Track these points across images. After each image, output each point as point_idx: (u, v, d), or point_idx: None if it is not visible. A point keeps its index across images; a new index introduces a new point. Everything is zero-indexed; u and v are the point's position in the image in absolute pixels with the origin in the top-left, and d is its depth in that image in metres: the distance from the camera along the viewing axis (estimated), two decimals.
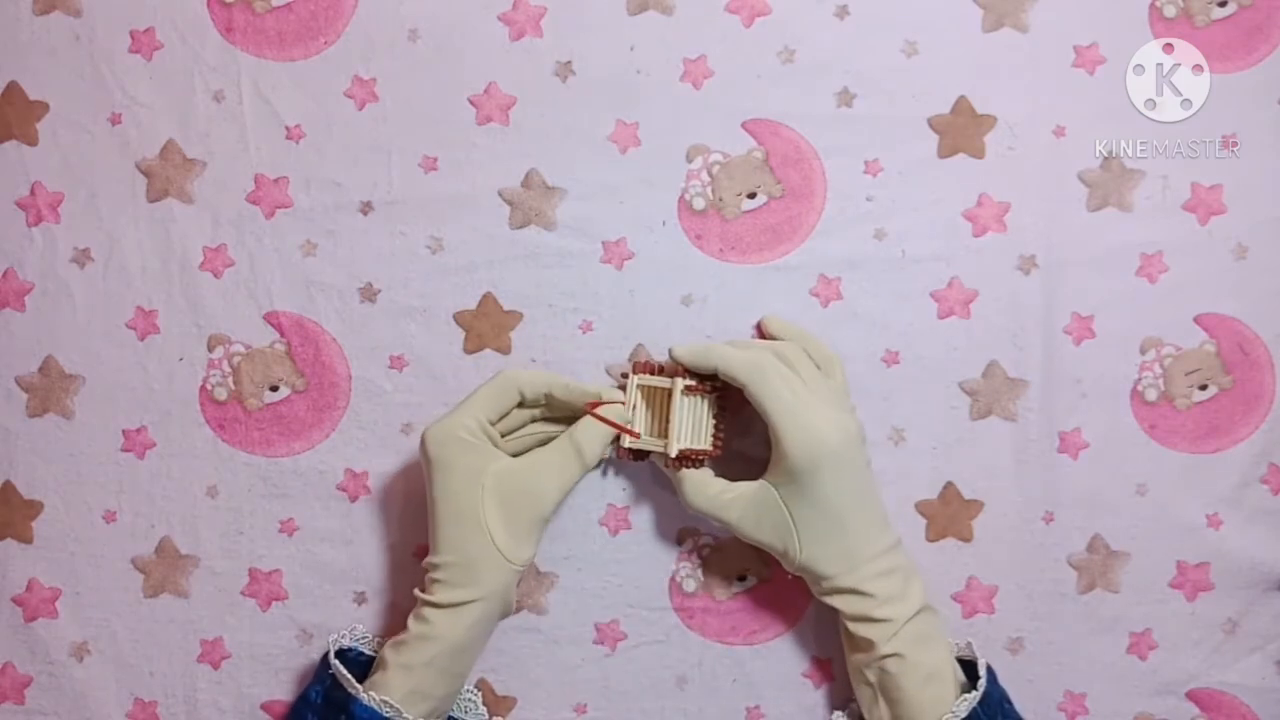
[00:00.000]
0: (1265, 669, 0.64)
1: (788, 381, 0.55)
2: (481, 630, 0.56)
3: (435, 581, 0.55)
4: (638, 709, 0.64)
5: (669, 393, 0.57)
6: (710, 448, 0.59)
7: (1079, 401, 0.64)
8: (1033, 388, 0.64)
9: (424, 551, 0.64)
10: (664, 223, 0.64)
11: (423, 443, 0.56)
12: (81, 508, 0.63)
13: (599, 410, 0.57)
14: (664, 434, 0.58)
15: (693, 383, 0.57)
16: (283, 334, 0.64)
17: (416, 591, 0.56)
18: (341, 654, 0.57)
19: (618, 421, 0.57)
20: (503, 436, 0.58)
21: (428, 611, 0.54)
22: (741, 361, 0.55)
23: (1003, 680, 0.57)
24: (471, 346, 0.64)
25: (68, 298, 0.63)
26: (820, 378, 0.58)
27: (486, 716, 0.61)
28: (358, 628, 0.61)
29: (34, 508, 0.64)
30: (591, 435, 0.57)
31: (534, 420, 0.59)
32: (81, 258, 0.64)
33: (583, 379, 0.63)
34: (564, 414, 0.59)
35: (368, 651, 0.60)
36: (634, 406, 0.58)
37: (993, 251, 0.64)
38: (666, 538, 0.64)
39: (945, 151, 0.64)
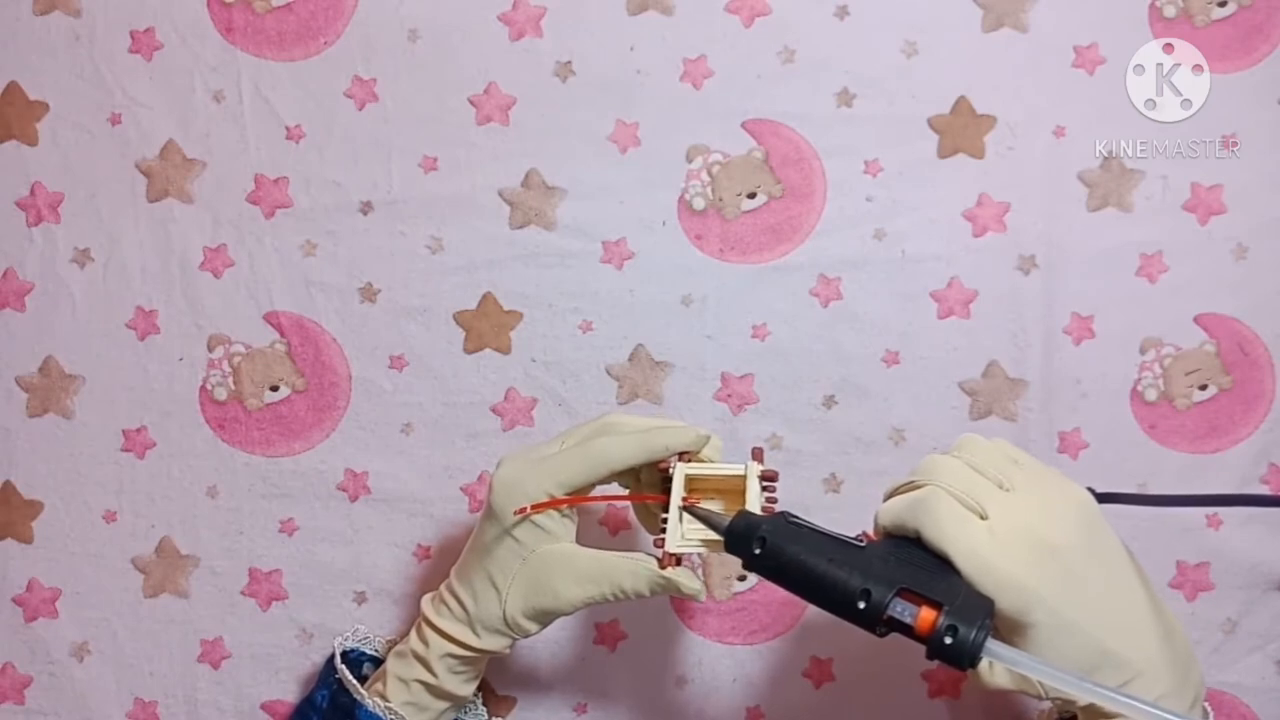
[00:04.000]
0: (1265, 669, 0.64)
1: (962, 517, 0.43)
2: (473, 666, 0.54)
3: (445, 605, 0.53)
4: (638, 709, 0.64)
5: (722, 478, 0.51)
6: None
7: (1079, 401, 0.64)
8: (1033, 388, 0.64)
9: (424, 552, 0.64)
10: (664, 223, 0.64)
11: (491, 489, 0.52)
12: (81, 508, 0.63)
13: (670, 571, 0.50)
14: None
15: (766, 469, 0.51)
16: (283, 334, 0.64)
17: (425, 605, 0.54)
18: (344, 655, 0.57)
19: (690, 591, 0.51)
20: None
21: (429, 632, 0.53)
22: (897, 507, 0.45)
23: None
24: (471, 346, 0.64)
25: (68, 298, 0.63)
26: (1023, 480, 0.46)
27: (486, 716, 0.61)
28: (360, 628, 0.60)
29: (34, 508, 0.64)
30: (637, 579, 0.51)
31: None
32: (81, 258, 0.64)
33: (582, 379, 0.63)
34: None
35: (370, 652, 0.60)
36: (679, 502, 0.50)
37: (993, 251, 0.64)
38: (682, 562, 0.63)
39: (945, 151, 0.64)
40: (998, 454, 0.47)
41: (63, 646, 0.63)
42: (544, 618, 0.52)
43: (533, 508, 0.50)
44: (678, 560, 0.50)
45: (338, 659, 0.56)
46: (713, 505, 0.51)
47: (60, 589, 0.64)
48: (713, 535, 0.47)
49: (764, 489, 0.51)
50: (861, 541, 0.43)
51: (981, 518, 0.43)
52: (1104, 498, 0.47)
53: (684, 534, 0.49)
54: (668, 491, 0.51)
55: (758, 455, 0.52)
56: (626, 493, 0.56)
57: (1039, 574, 0.42)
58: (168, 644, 0.64)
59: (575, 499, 0.52)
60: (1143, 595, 0.44)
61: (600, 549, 0.52)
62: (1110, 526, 0.45)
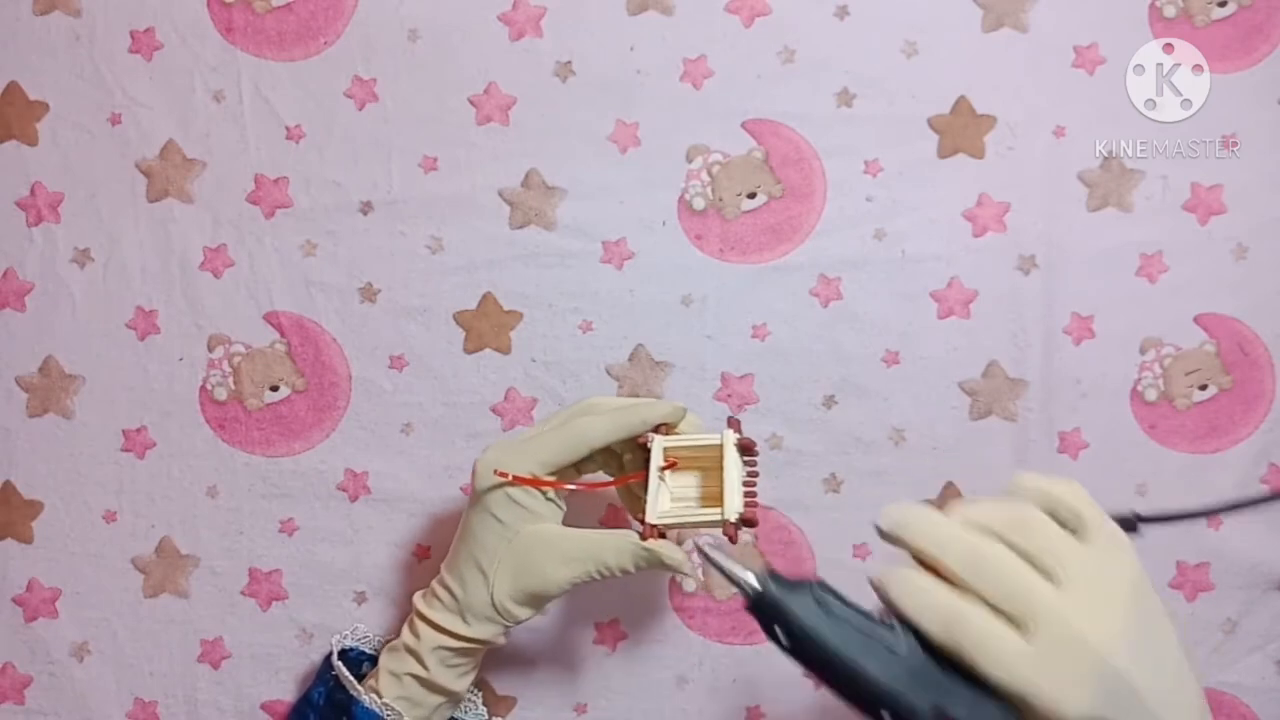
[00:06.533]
0: (1265, 669, 0.64)
1: (1002, 638, 0.38)
2: (466, 659, 0.54)
3: (435, 597, 0.53)
4: (638, 709, 0.64)
5: (705, 451, 0.52)
6: (752, 507, 0.51)
7: (1079, 401, 0.64)
8: (1033, 388, 0.64)
9: (424, 552, 0.64)
10: (664, 223, 0.64)
11: (474, 473, 0.53)
12: (81, 508, 0.63)
13: (652, 543, 0.50)
14: (708, 500, 0.52)
15: (743, 437, 0.51)
16: (283, 334, 0.64)
17: (416, 599, 0.55)
18: (343, 654, 0.57)
19: (672, 563, 0.51)
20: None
21: (420, 625, 0.53)
22: (930, 617, 0.39)
23: None
24: (471, 346, 0.64)
25: (68, 298, 0.63)
26: (1077, 564, 0.40)
27: (486, 716, 0.61)
28: (359, 627, 0.61)
29: (34, 508, 0.64)
30: (621, 554, 0.51)
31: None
32: (81, 258, 0.64)
33: (582, 379, 0.63)
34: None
35: (369, 651, 0.60)
36: (660, 474, 0.51)
37: (993, 251, 0.64)
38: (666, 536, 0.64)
39: (945, 151, 0.64)
40: (1054, 525, 0.41)
41: (63, 646, 0.63)
42: (533, 601, 0.52)
43: (515, 478, 0.51)
44: (661, 534, 0.50)
45: (334, 656, 0.56)
46: (692, 476, 0.52)
47: (60, 589, 0.64)
48: (697, 515, 0.49)
49: (745, 463, 0.51)
50: (891, 623, 0.39)
51: (1025, 627, 0.39)
52: (1148, 521, 0.44)
53: (667, 507, 0.50)
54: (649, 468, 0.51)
55: (734, 425, 0.52)
56: (611, 480, 0.56)
57: (1088, 696, 0.38)
58: (168, 644, 0.64)
59: (558, 483, 0.52)
60: (1189, 678, 0.41)
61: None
62: (1155, 593, 0.42)
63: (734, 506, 0.50)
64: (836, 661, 0.38)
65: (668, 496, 0.52)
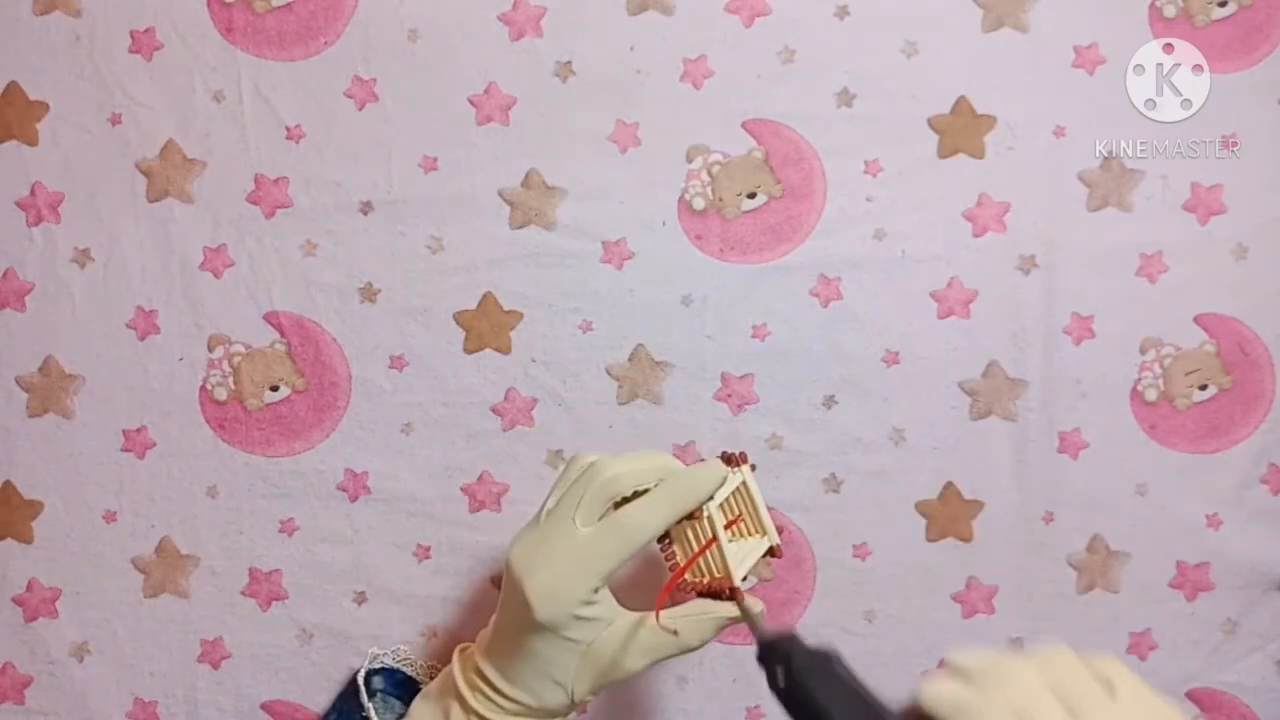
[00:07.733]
0: (1265, 669, 0.64)
1: None
2: None
3: (500, 708, 0.49)
4: (638, 709, 0.64)
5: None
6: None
7: (1079, 401, 0.64)
8: (1033, 388, 0.64)
9: (424, 552, 0.64)
10: (664, 223, 0.64)
11: (530, 605, 0.47)
12: (81, 508, 0.63)
13: (745, 604, 0.49)
14: (744, 532, 0.53)
15: (749, 462, 0.52)
16: (283, 334, 0.64)
17: (470, 698, 0.49)
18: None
19: (759, 613, 0.50)
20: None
21: None
22: (953, 705, 0.37)
23: None
24: (471, 346, 0.64)
25: (68, 298, 0.63)
26: (1115, 701, 0.37)
27: None
28: (372, 650, 0.60)
29: (34, 508, 0.64)
30: (704, 632, 0.50)
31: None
32: (81, 258, 0.64)
33: (582, 379, 0.63)
34: None
35: (377, 666, 0.59)
36: (725, 539, 0.50)
37: (993, 251, 0.64)
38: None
39: (945, 151, 0.64)
40: (1087, 674, 0.39)
41: (63, 646, 0.63)
42: (610, 684, 0.50)
43: (660, 618, 0.48)
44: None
45: (364, 696, 0.54)
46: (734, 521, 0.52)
47: (60, 589, 0.64)
48: (756, 553, 0.50)
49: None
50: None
51: None
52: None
53: (738, 563, 0.49)
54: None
55: (743, 459, 0.52)
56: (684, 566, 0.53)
57: None
58: (168, 644, 0.64)
59: (663, 599, 0.49)
60: None
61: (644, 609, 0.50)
62: None
63: (772, 528, 0.52)
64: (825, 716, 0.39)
65: (734, 551, 0.51)
